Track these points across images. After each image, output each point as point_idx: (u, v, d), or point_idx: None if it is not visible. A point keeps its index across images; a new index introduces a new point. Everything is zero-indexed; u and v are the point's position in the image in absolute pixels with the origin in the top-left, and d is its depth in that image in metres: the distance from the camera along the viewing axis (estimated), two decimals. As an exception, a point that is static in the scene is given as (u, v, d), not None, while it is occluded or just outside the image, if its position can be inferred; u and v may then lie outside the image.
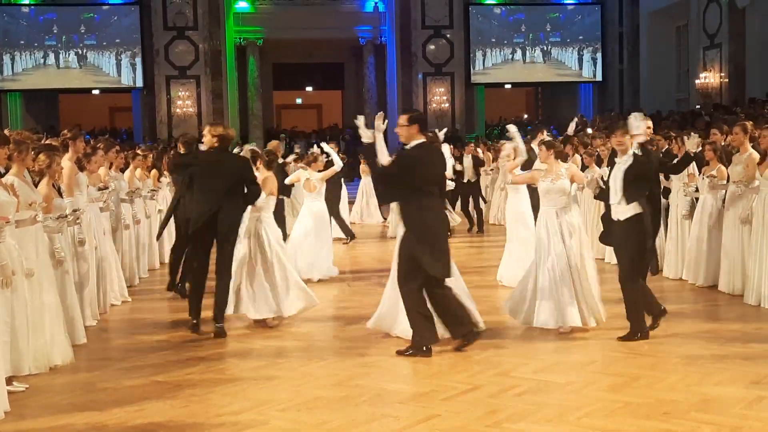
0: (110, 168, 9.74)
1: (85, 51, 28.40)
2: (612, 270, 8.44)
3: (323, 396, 5.54)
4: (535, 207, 8.48)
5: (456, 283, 6.90)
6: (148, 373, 6.15)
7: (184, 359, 6.59)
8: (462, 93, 29.82)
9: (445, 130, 10.21)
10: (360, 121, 6.92)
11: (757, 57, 23.11)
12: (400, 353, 6.47)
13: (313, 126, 33.63)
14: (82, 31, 28.25)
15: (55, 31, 28.10)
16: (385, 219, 16.75)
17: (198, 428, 4.92)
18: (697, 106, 24.00)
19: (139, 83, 28.69)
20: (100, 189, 8.44)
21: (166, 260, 12.23)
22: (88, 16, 28.30)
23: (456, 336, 6.66)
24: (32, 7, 28.26)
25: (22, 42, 27.98)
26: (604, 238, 7.39)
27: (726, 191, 8.78)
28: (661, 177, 9.34)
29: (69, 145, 7.82)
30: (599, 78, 30.42)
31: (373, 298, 8.06)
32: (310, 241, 10.32)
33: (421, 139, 6.63)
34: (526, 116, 34.29)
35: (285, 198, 11.18)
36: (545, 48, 29.97)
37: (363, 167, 16.89)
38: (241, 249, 7.67)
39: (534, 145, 9.48)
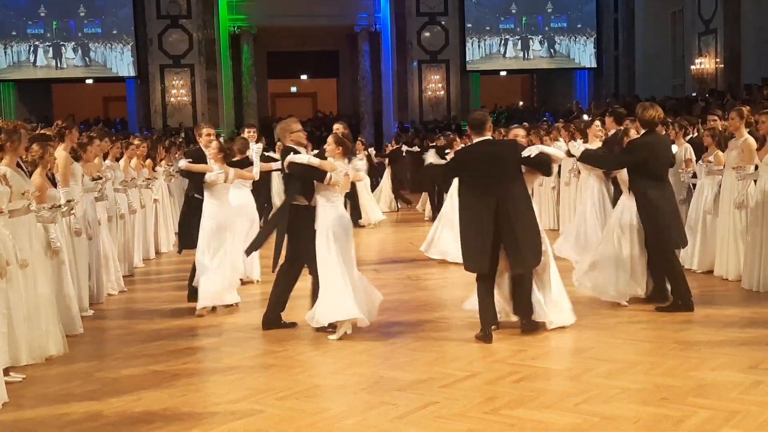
0: (105, 158, 9.71)
1: (80, 40, 28.20)
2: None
3: (321, 384, 5.53)
4: None
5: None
6: (145, 363, 6.14)
7: (181, 349, 6.58)
8: (457, 80, 29.74)
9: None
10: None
11: (752, 42, 23.06)
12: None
13: (309, 114, 33.49)
14: (81, 15, 27.98)
15: (42, 15, 27.80)
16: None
17: (195, 417, 4.90)
18: (693, 94, 23.97)
19: (133, 72, 28.56)
20: (93, 179, 8.41)
21: (162, 250, 12.22)
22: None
23: None
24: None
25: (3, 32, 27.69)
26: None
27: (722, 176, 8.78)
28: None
29: (64, 134, 7.78)
30: (595, 64, 30.36)
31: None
32: None
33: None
34: (521, 103, 34.22)
35: None
36: (540, 35, 29.89)
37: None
38: None
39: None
